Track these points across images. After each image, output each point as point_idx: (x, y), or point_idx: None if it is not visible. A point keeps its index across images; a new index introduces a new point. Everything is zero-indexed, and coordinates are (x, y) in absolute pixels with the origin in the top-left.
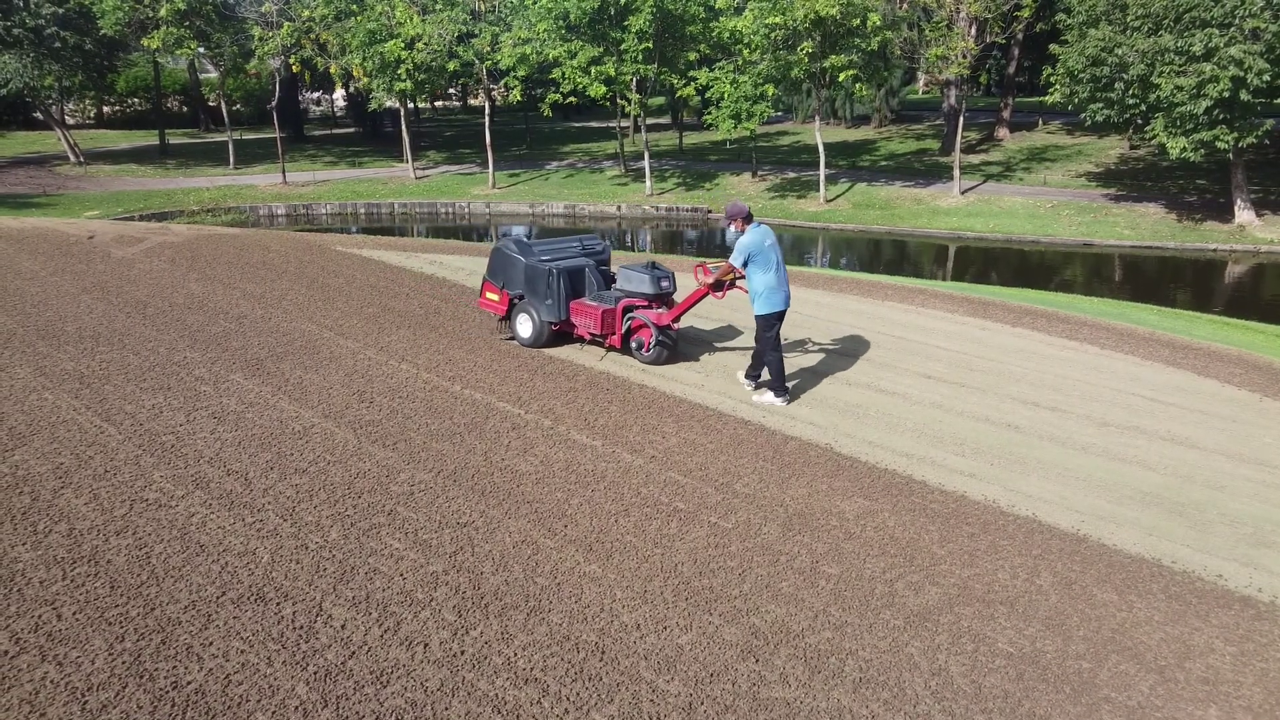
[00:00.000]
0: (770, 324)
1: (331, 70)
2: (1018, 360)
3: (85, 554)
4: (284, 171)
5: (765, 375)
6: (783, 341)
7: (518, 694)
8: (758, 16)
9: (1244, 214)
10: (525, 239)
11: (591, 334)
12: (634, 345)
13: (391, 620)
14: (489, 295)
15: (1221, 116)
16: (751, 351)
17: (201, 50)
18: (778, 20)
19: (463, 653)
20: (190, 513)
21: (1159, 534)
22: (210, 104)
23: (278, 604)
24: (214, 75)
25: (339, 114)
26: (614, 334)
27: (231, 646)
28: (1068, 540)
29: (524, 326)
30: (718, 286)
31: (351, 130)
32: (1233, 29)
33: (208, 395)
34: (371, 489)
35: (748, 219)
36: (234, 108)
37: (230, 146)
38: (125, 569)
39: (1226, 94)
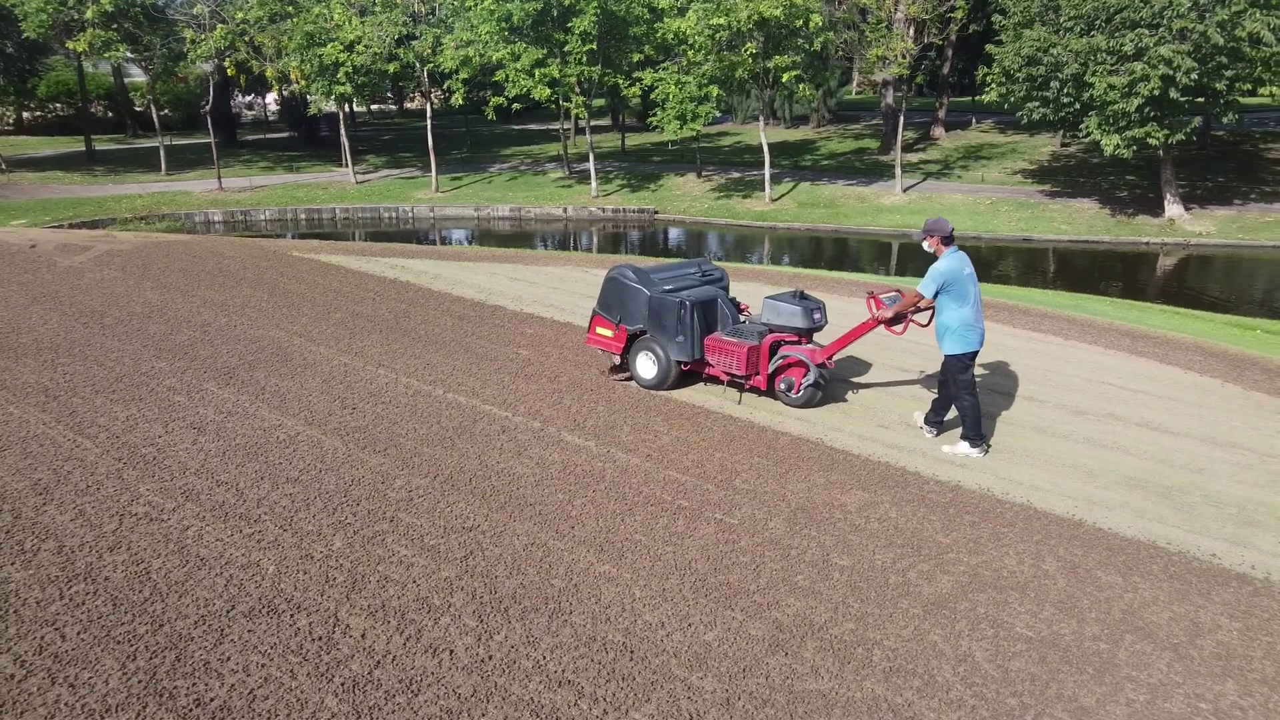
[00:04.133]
0: (964, 365)
1: (268, 73)
2: (988, 352)
3: (80, 571)
4: (219, 177)
5: (941, 415)
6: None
7: (553, 697)
8: (701, 18)
9: (1173, 208)
10: (641, 267)
11: (730, 374)
12: (781, 386)
13: (412, 628)
14: (600, 331)
15: (1152, 114)
16: (935, 397)
17: (129, 55)
18: (721, 21)
19: (490, 658)
20: (184, 525)
21: (1150, 517)
22: (137, 109)
23: (291, 615)
24: (140, 79)
25: (272, 118)
26: (759, 374)
27: (250, 660)
28: (1065, 525)
29: (647, 366)
30: (896, 320)
31: (286, 135)
32: (1161, 29)
33: (183, 405)
34: (369, 496)
35: (947, 240)
36: (162, 112)
37: (162, 152)
38: (125, 585)
39: (1157, 92)
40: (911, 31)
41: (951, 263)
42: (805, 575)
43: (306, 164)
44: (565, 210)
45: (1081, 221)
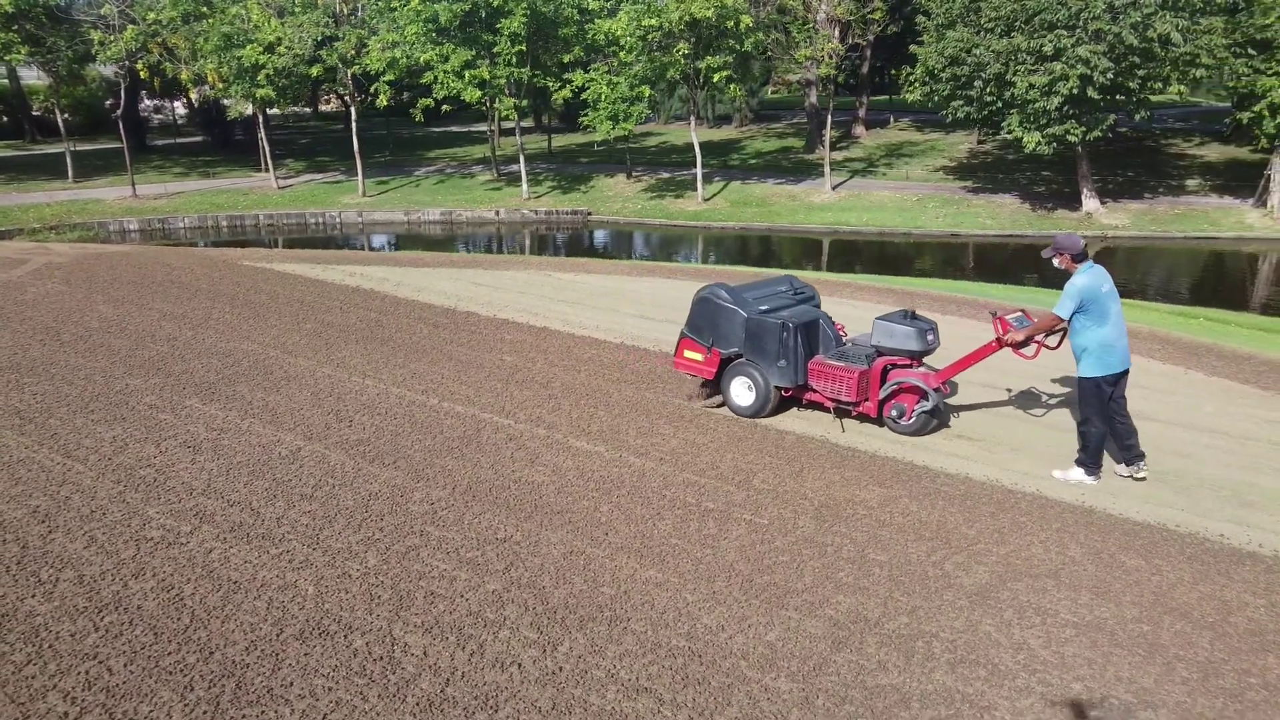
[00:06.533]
0: (1099, 389)
1: (183, 76)
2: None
3: (108, 601)
4: (134, 184)
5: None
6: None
7: (635, 705)
8: (633, 19)
9: (1090, 202)
10: (732, 286)
11: (836, 401)
12: (892, 413)
13: (473, 643)
14: (689, 354)
15: (1071, 112)
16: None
17: (29, 59)
18: (653, 23)
19: (560, 669)
20: (207, 549)
21: (1154, 501)
22: (35, 113)
23: (345, 636)
24: (36, 81)
25: (180, 122)
26: (868, 400)
27: (315, 685)
28: (1078, 512)
29: (743, 392)
30: (1024, 344)
31: (199, 139)
32: (1079, 30)
33: (169, 424)
34: (391, 511)
35: (1080, 256)
36: (63, 117)
37: (68, 158)
38: (160, 613)
39: (1076, 91)
40: (836, 32)
41: (1089, 279)
42: (847, 572)
43: (223, 169)
44: (498, 213)
45: (1005, 216)
